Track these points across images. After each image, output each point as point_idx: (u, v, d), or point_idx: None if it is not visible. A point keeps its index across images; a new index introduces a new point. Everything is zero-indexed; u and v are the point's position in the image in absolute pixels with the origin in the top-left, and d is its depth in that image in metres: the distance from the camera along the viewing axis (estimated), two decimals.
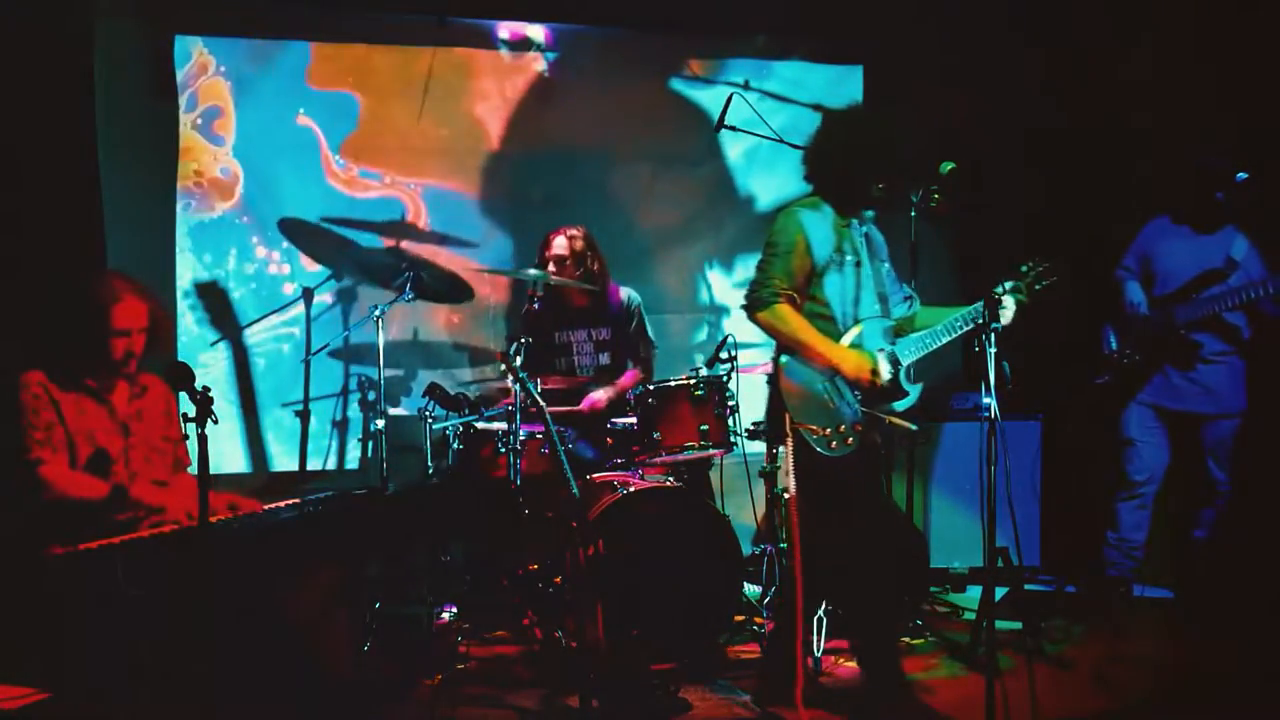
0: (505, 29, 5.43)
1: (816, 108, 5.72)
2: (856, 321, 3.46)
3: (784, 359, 3.44)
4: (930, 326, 3.47)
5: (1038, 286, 3.34)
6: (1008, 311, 3.26)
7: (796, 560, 3.33)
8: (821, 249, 3.43)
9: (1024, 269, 3.35)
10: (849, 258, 3.47)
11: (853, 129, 3.51)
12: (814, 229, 3.44)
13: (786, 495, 4.53)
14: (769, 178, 5.71)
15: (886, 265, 3.59)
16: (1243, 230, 4.43)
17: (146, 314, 3.53)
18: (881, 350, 3.44)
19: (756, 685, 3.74)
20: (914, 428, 3.51)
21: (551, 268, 4.72)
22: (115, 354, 3.48)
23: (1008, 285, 3.30)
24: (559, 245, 4.81)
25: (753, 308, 3.44)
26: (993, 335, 3.11)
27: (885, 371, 3.40)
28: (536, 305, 4.61)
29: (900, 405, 3.46)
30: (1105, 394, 4.59)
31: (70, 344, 3.48)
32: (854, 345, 3.43)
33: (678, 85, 5.63)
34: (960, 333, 3.39)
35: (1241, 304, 4.29)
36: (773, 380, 3.51)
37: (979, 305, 3.25)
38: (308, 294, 5.15)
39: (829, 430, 3.37)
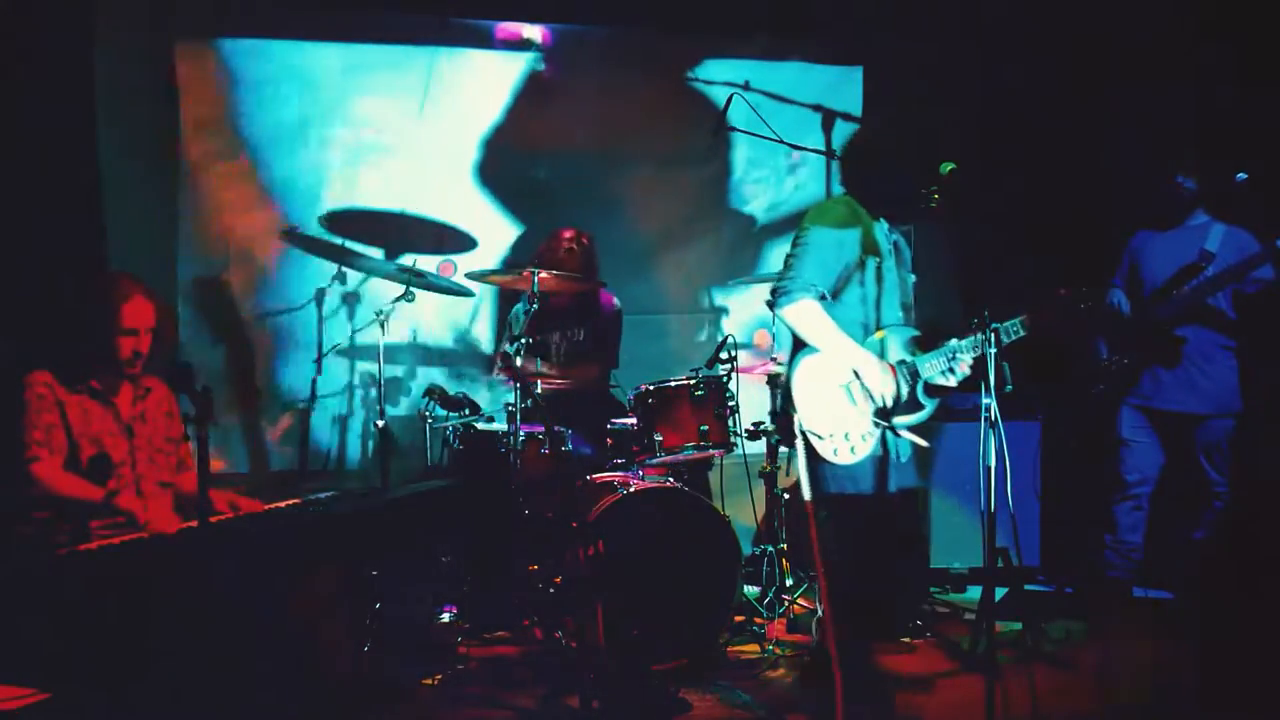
0: (505, 29, 5.44)
1: (817, 108, 5.72)
2: (879, 327, 3.43)
3: (800, 358, 3.38)
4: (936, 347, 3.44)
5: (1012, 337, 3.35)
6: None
7: (818, 565, 3.24)
8: (852, 248, 3.39)
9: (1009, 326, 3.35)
10: (876, 259, 3.43)
11: (890, 130, 3.55)
12: (845, 227, 3.41)
13: (786, 496, 4.59)
14: (769, 178, 5.72)
15: (912, 277, 3.56)
16: (1222, 220, 4.44)
17: (153, 314, 3.56)
18: (902, 362, 3.41)
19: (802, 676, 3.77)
20: (925, 444, 3.47)
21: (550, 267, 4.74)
22: (123, 353, 3.50)
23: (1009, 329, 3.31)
24: (565, 246, 4.81)
25: (779, 301, 3.38)
26: (993, 336, 3.11)
27: (900, 388, 3.37)
28: (537, 305, 4.61)
29: (913, 420, 3.41)
30: (1101, 396, 4.59)
31: (78, 344, 3.50)
32: (875, 353, 3.39)
33: (678, 85, 5.62)
34: (975, 354, 3.35)
35: (1219, 289, 4.31)
36: (785, 380, 3.45)
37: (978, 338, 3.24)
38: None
39: (835, 436, 3.32)
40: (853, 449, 3.32)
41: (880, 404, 3.37)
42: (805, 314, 3.34)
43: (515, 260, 5.36)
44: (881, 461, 3.41)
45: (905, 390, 3.37)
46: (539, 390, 4.38)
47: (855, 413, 3.35)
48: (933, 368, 3.39)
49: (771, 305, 3.45)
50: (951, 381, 3.38)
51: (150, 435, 3.62)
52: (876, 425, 3.37)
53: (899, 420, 3.41)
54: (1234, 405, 4.42)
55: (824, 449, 3.31)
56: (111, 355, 3.50)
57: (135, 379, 3.60)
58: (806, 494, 3.20)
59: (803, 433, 3.31)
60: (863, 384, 3.35)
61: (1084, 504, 4.82)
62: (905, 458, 3.47)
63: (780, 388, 3.53)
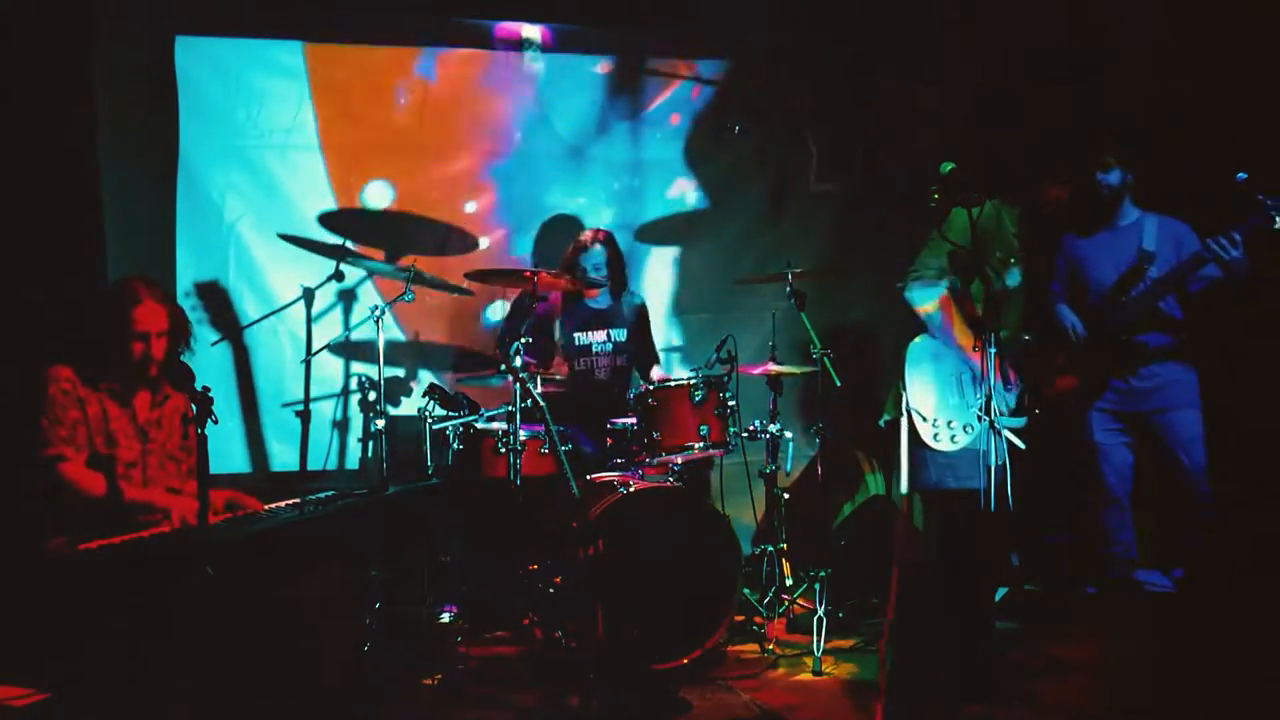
0: (504, 28, 5.43)
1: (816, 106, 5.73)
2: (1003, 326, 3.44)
3: (918, 341, 3.34)
4: None
5: None
6: None
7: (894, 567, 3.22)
8: (987, 244, 3.40)
9: None
10: (1010, 257, 3.47)
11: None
12: (983, 221, 3.37)
13: (786, 496, 4.58)
14: (770, 177, 5.72)
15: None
16: (1153, 212, 4.40)
17: (166, 317, 3.55)
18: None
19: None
20: (1022, 445, 3.41)
21: (584, 270, 4.77)
22: (134, 356, 3.49)
23: None
24: (599, 247, 4.85)
25: (912, 286, 3.40)
26: (992, 336, 3.10)
27: (1014, 390, 3.35)
28: (540, 306, 4.61)
29: (1016, 423, 3.38)
30: (1067, 405, 4.58)
31: (93, 346, 3.51)
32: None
33: (678, 84, 5.62)
34: None
35: (1166, 294, 4.29)
36: (900, 358, 3.40)
37: None
38: (308, 294, 5.15)
39: (938, 421, 3.30)
40: (952, 437, 3.31)
41: (987, 399, 3.36)
42: (937, 302, 3.30)
43: (532, 258, 5.38)
44: (982, 458, 3.38)
45: (1016, 393, 3.35)
46: (539, 390, 4.38)
47: (962, 403, 3.32)
48: None
49: (903, 289, 3.42)
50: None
51: (164, 441, 3.63)
52: (981, 420, 3.35)
53: (1004, 420, 3.38)
54: (1194, 397, 4.39)
55: (924, 431, 3.30)
56: (124, 359, 3.50)
57: (154, 384, 3.60)
58: (904, 488, 3.20)
59: (908, 410, 3.29)
60: (971, 375, 3.32)
61: (1082, 505, 4.82)
62: (1000, 460, 3.42)
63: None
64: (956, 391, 3.32)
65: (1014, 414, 3.33)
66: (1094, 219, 4.45)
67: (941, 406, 3.31)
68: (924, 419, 3.29)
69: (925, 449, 3.31)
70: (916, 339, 3.35)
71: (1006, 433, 3.38)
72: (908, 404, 3.28)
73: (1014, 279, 3.56)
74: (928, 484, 3.34)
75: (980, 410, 3.33)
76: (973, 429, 3.32)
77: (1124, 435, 4.48)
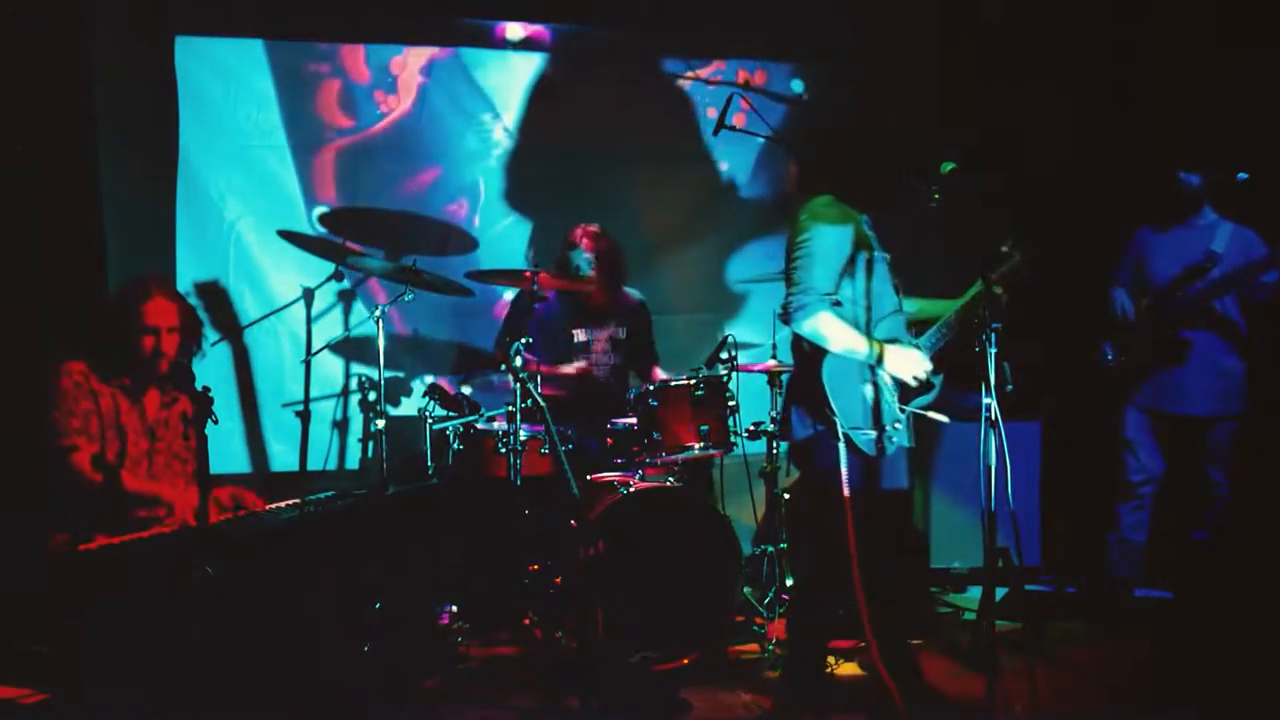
0: (506, 28, 5.43)
1: (812, 107, 5.73)
2: (881, 316, 3.41)
3: (827, 364, 3.36)
4: (935, 316, 3.49)
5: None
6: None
7: (855, 568, 3.24)
8: (849, 245, 3.37)
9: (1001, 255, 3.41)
10: (872, 253, 3.43)
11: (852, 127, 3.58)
12: (841, 225, 3.39)
13: (786, 496, 4.59)
14: (769, 177, 5.72)
15: (889, 256, 3.54)
16: (1229, 219, 4.43)
17: (176, 313, 3.60)
18: (913, 346, 3.43)
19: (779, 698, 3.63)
20: (946, 420, 3.46)
21: (581, 265, 4.75)
22: (144, 350, 3.51)
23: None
24: (586, 244, 4.81)
25: (795, 317, 3.32)
26: (993, 335, 3.10)
27: (927, 365, 3.39)
28: (539, 305, 4.60)
29: (927, 399, 3.41)
30: (1104, 396, 4.59)
31: (105, 341, 3.55)
32: (890, 340, 3.38)
33: (678, 85, 5.62)
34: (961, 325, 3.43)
35: (1225, 293, 4.31)
36: (820, 386, 3.40)
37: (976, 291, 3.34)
38: (308, 294, 5.15)
39: (875, 432, 3.32)
40: (890, 439, 3.33)
41: (900, 391, 3.39)
42: (824, 325, 3.30)
43: (535, 259, 5.38)
44: (909, 452, 3.43)
45: (929, 370, 3.38)
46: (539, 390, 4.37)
47: (885, 405, 3.35)
48: (933, 346, 3.46)
49: (786, 320, 3.42)
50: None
51: (170, 440, 3.65)
52: (902, 410, 3.37)
53: (916, 401, 3.41)
54: (1236, 408, 4.40)
55: (867, 446, 3.30)
56: (134, 354, 3.52)
57: (164, 384, 3.62)
58: (845, 491, 3.19)
59: (846, 435, 3.29)
60: (882, 378, 3.35)
61: (1085, 504, 4.82)
62: (910, 445, 3.49)
63: (809, 397, 3.47)
64: (878, 397, 3.34)
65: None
66: (1169, 216, 4.49)
67: (872, 417, 3.33)
68: (864, 433, 3.30)
69: (862, 458, 3.32)
70: (825, 362, 3.33)
71: (929, 412, 3.42)
72: (842, 428, 3.29)
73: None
74: (863, 488, 3.35)
75: (899, 403, 3.37)
76: (900, 425, 3.37)
77: (1159, 436, 4.48)
